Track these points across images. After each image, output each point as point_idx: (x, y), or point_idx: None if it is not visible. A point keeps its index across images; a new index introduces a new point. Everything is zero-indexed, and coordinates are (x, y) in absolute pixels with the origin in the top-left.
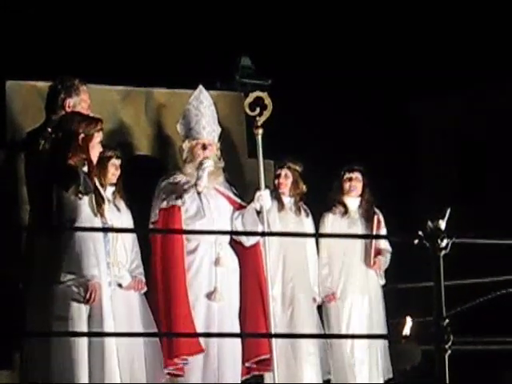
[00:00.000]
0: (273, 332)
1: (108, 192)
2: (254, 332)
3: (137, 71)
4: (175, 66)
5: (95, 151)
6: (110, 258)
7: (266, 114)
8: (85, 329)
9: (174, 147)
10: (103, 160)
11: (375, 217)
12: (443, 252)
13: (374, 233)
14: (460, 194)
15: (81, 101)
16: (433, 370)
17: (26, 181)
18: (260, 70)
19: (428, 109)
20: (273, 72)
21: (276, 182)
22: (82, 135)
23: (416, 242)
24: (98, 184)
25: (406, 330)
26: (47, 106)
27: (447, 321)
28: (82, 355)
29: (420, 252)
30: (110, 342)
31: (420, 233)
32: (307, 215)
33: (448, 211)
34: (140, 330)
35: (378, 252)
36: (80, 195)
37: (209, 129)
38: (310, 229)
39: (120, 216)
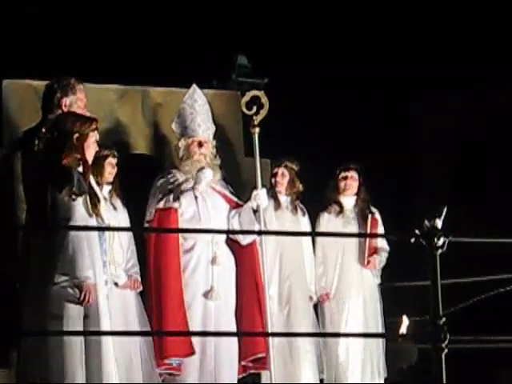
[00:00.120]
0: (269, 331)
1: (104, 191)
2: (251, 330)
3: (133, 70)
4: (172, 65)
5: (91, 151)
6: (107, 256)
7: (263, 112)
8: (81, 328)
9: (170, 146)
10: (100, 159)
11: (369, 216)
12: (440, 251)
13: (369, 232)
14: (460, 194)
15: (77, 100)
16: (429, 369)
17: (22, 180)
18: (257, 68)
19: (428, 109)
20: (269, 71)
21: (273, 180)
22: (77, 135)
23: (413, 240)
24: (94, 183)
25: (403, 329)
26: (44, 105)
27: (444, 319)
28: (79, 355)
29: (417, 251)
30: (107, 341)
31: (417, 231)
32: (304, 214)
33: (445, 210)
34: (136, 328)
35: (374, 251)
36: (74, 196)
37: (204, 127)
38: (307, 228)
39: (117, 215)
